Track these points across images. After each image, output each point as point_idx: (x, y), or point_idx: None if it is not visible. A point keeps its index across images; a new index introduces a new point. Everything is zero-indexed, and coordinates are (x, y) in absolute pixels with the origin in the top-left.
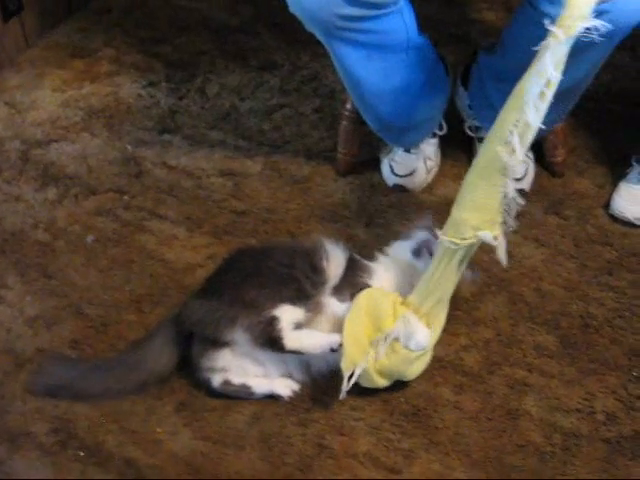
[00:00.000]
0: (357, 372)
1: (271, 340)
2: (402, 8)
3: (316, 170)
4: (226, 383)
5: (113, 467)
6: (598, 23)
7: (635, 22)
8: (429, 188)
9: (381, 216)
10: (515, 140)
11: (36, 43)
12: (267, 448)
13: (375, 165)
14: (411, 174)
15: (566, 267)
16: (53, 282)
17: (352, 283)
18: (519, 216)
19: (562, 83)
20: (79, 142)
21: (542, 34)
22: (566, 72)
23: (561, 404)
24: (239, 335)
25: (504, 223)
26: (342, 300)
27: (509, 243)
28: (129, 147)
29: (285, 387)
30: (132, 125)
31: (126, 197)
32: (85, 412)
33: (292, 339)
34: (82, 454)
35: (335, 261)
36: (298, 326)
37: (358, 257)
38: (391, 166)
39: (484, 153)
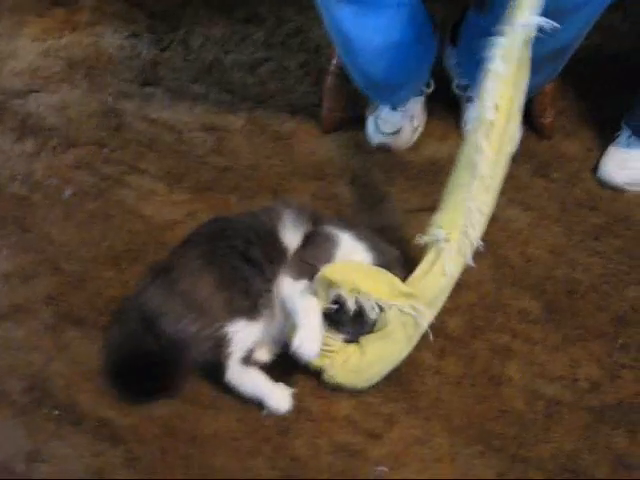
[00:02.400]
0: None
1: (216, 363)
2: None
3: (300, 126)
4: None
5: (88, 426)
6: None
7: None
8: (414, 148)
9: (365, 175)
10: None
11: None
12: (245, 410)
13: (360, 123)
14: (397, 132)
15: (552, 231)
16: (29, 236)
17: (313, 257)
18: (506, 178)
19: (553, 43)
20: (59, 93)
21: None
22: (556, 32)
23: (545, 371)
24: (188, 339)
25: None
26: (297, 278)
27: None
28: (109, 99)
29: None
30: (113, 76)
31: (106, 150)
32: (60, 371)
33: (235, 374)
34: (57, 413)
35: (293, 236)
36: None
37: (323, 226)
38: (377, 124)
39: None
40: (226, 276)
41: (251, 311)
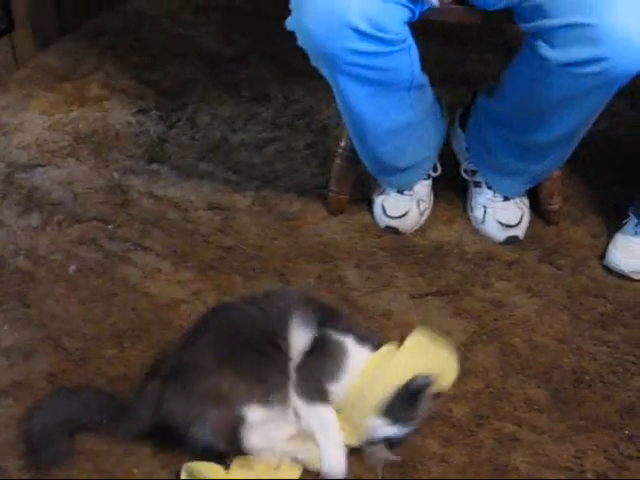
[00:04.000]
0: None
1: (235, 440)
2: (410, 46)
3: (306, 207)
4: None
5: None
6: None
7: (634, 71)
8: (421, 231)
9: (372, 258)
10: None
11: (26, 63)
12: None
13: (367, 206)
14: (404, 216)
15: (559, 319)
16: (32, 312)
17: (323, 374)
18: (512, 264)
19: (560, 129)
20: (65, 167)
21: (541, 78)
22: (565, 118)
23: (550, 461)
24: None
25: None
26: (310, 402)
27: (501, 291)
28: (116, 175)
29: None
30: (120, 153)
31: (111, 227)
32: None
33: (254, 439)
34: None
35: (301, 338)
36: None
37: (329, 333)
38: (383, 207)
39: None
40: (244, 368)
41: (268, 398)
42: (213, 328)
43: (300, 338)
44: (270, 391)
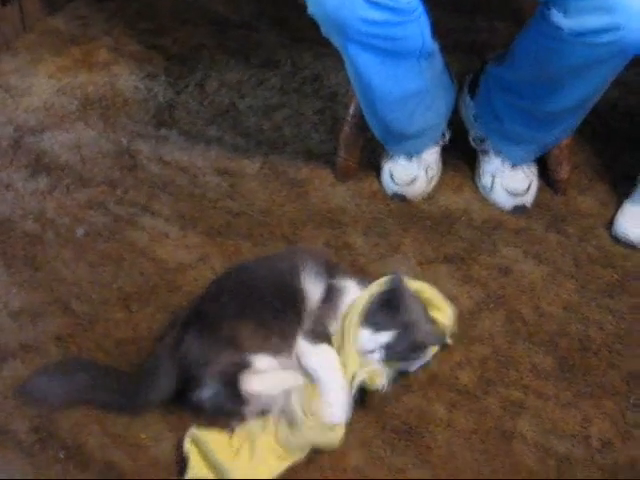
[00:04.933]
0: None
1: (235, 381)
2: (420, 14)
3: (315, 173)
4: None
5: (94, 469)
6: None
7: None
8: (429, 198)
9: (379, 225)
10: None
11: (34, 28)
12: None
13: (375, 172)
14: (411, 182)
15: (566, 287)
16: (40, 275)
17: (327, 315)
18: (520, 232)
19: (571, 98)
20: (73, 132)
21: (553, 47)
22: (576, 87)
23: (556, 428)
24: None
25: None
26: (314, 342)
27: (509, 258)
28: (124, 140)
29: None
30: (128, 118)
31: (119, 191)
32: (67, 412)
33: (253, 382)
34: (62, 455)
35: (315, 288)
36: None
37: (337, 280)
38: (391, 174)
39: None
40: (263, 321)
41: (275, 349)
42: (232, 284)
43: (315, 289)
44: (281, 342)
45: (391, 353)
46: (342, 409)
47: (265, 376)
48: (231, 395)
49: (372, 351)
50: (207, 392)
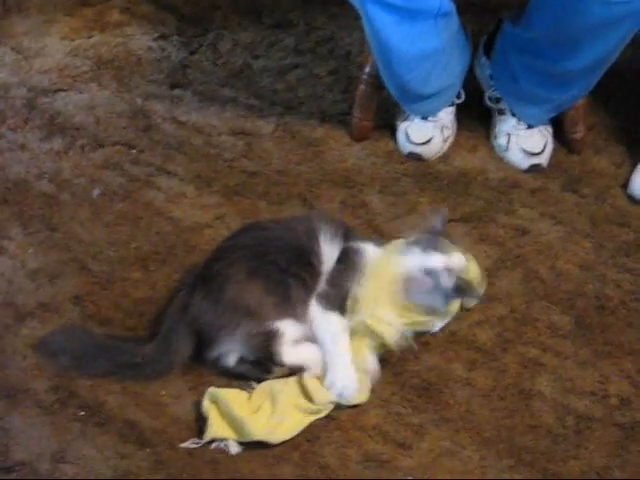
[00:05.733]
0: None
1: (269, 354)
2: None
3: (330, 133)
4: (242, 361)
5: (114, 428)
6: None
7: None
8: (444, 158)
9: (395, 184)
10: None
11: None
12: None
13: (391, 132)
14: (427, 142)
15: (582, 246)
16: (57, 235)
17: (343, 278)
18: (536, 192)
19: (588, 58)
20: (87, 92)
21: (571, 6)
22: (593, 47)
23: (575, 386)
24: (238, 344)
25: None
26: (326, 308)
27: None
28: (138, 100)
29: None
30: (142, 78)
31: (134, 151)
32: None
33: (291, 354)
34: (82, 414)
35: (331, 251)
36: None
37: (351, 243)
38: (407, 133)
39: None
40: (271, 285)
41: (296, 315)
42: (243, 244)
43: (331, 253)
44: (297, 307)
45: (437, 283)
46: (345, 383)
47: (301, 347)
48: (260, 364)
49: (419, 273)
50: (231, 358)
